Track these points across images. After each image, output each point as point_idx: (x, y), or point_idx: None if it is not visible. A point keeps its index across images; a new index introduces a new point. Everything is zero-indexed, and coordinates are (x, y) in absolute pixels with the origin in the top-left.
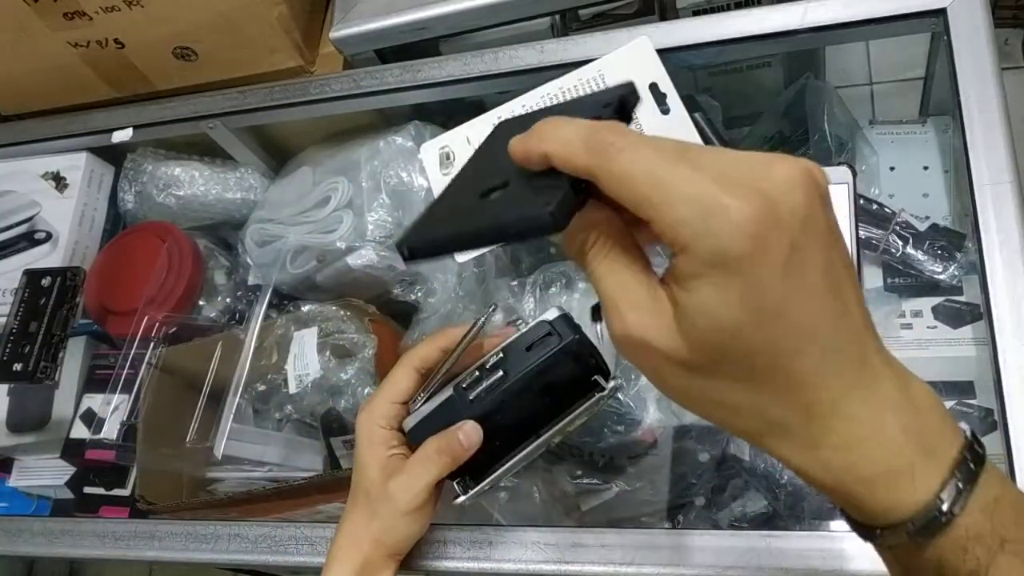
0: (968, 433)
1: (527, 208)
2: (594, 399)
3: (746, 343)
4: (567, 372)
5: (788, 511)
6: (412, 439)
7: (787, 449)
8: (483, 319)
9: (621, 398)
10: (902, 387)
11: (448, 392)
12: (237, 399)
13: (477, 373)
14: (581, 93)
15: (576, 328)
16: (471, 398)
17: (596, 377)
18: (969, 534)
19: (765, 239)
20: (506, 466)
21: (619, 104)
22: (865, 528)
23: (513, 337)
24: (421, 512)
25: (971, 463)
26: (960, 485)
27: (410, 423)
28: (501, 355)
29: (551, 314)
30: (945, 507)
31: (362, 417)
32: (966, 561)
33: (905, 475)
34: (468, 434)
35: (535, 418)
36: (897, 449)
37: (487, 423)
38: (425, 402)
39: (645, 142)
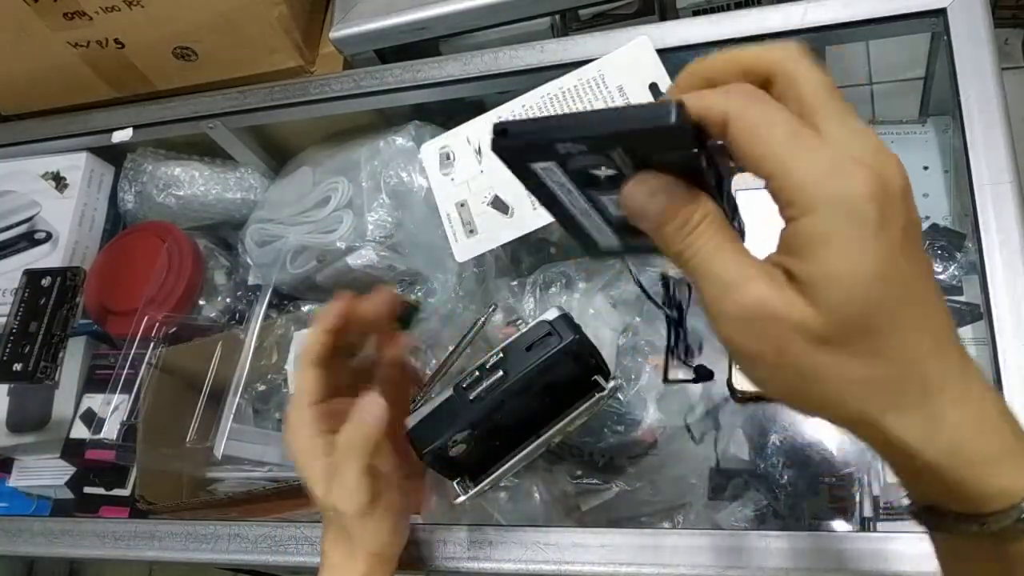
0: None
1: (650, 109)
2: (594, 399)
3: (879, 311)
4: (567, 372)
5: (788, 511)
6: (413, 438)
7: (907, 427)
8: (483, 319)
9: (621, 398)
10: (986, 381)
11: (448, 392)
12: (237, 399)
13: (477, 373)
14: (581, 93)
15: (576, 328)
16: (471, 398)
17: (596, 377)
18: None
19: (890, 210)
20: (506, 466)
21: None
22: (963, 517)
23: (513, 337)
24: (380, 507)
25: None
26: None
27: (411, 422)
28: (501, 355)
29: (551, 314)
30: None
31: (288, 439)
32: None
33: (1013, 458)
34: (363, 408)
35: (535, 418)
36: (1005, 433)
37: (487, 423)
38: (425, 402)
39: (776, 104)
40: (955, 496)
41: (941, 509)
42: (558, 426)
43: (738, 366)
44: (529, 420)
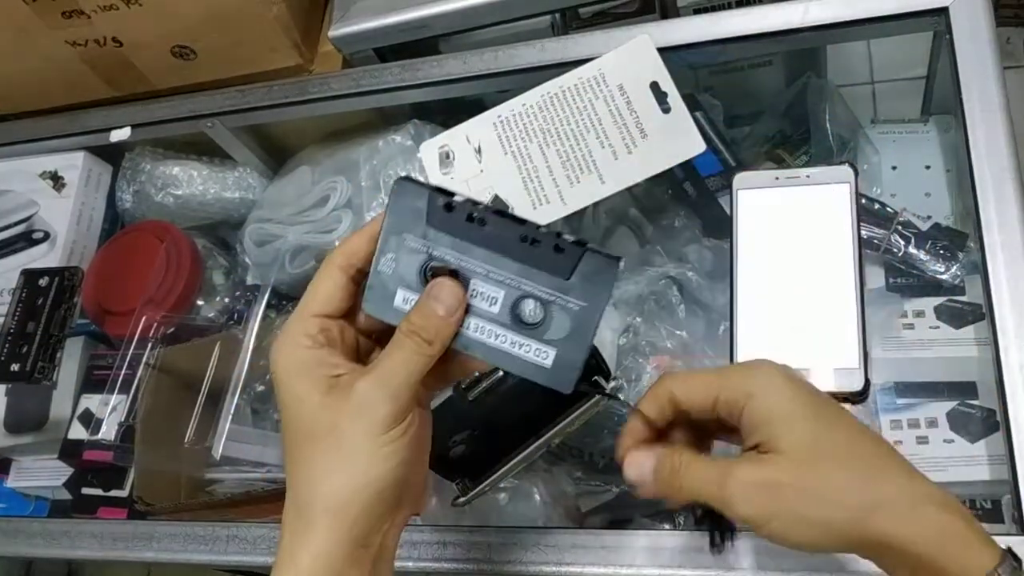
0: (1000, 554)
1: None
2: (594, 400)
3: (830, 433)
4: None
5: None
6: None
7: (893, 520)
8: None
9: (621, 398)
10: (946, 496)
11: (448, 393)
12: (236, 399)
13: (477, 373)
14: (581, 92)
15: None
16: (471, 399)
17: (597, 378)
18: None
19: (794, 377)
20: (506, 467)
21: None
22: None
23: None
24: (407, 439)
25: (1014, 559)
26: (1015, 564)
27: None
28: None
29: None
30: (1016, 566)
31: (280, 350)
32: None
33: (983, 539)
34: (444, 298)
35: (535, 419)
36: (970, 521)
37: (487, 424)
38: None
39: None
40: (941, 570)
41: None
42: (558, 427)
43: (768, 537)
44: (529, 421)
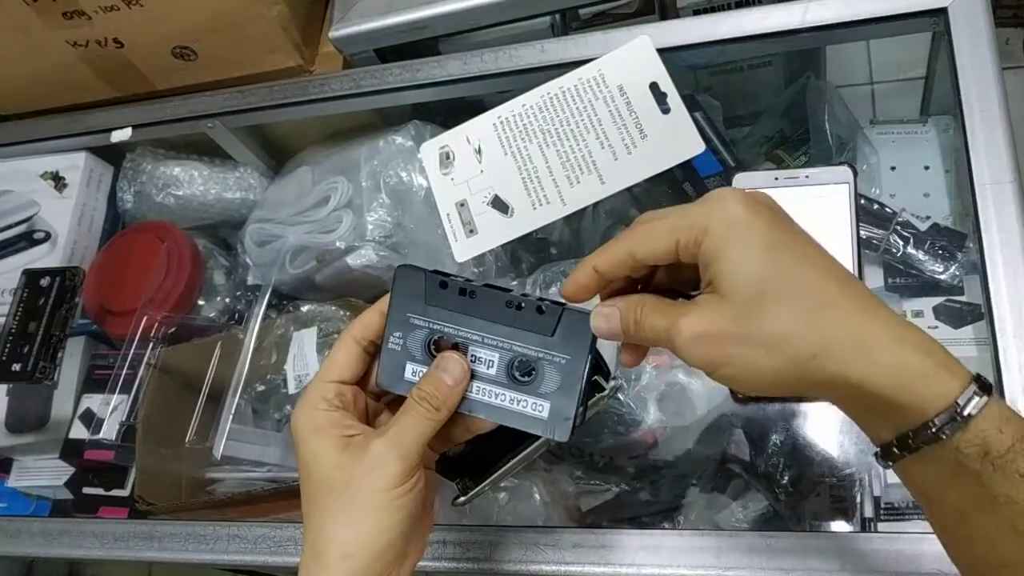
0: (969, 374)
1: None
2: (594, 399)
3: (776, 276)
4: None
5: (788, 511)
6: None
7: (840, 362)
8: None
9: (621, 398)
10: (904, 321)
11: None
12: (236, 399)
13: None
14: (581, 92)
15: None
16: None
17: (596, 377)
18: (1006, 415)
19: (755, 206)
20: (506, 467)
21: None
22: (925, 427)
23: None
24: (414, 495)
25: (981, 380)
26: (978, 388)
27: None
28: None
29: None
30: (980, 393)
31: (300, 413)
32: (1006, 434)
33: (943, 368)
34: (451, 369)
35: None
36: (931, 349)
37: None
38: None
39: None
40: (904, 415)
41: (899, 439)
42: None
43: (721, 383)
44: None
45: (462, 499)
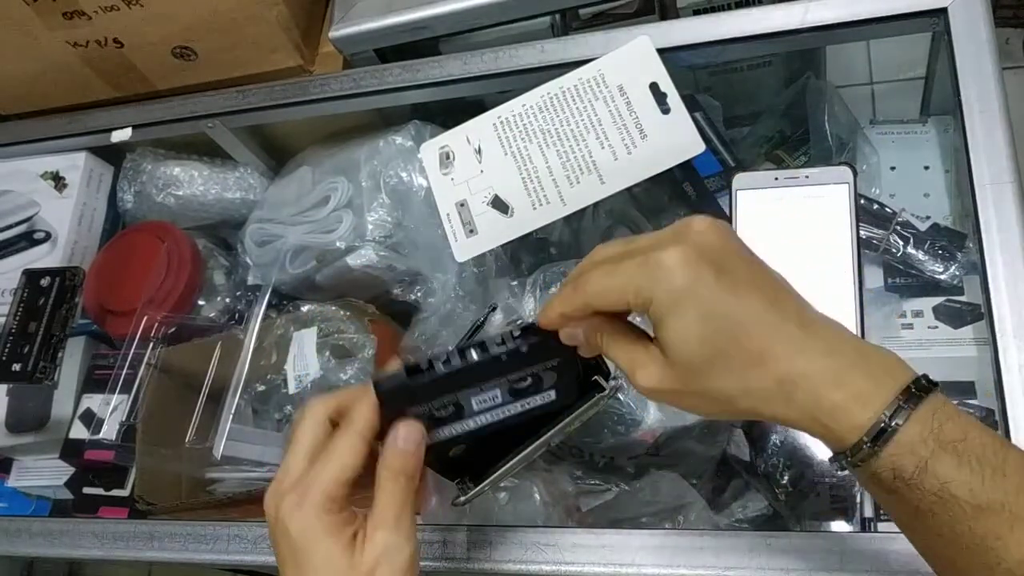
0: (916, 374)
1: None
2: (594, 399)
3: (711, 342)
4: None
5: (788, 511)
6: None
7: (773, 409)
8: (482, 319)
9: (621, 398)
10: (844, 339)
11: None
12: (237, 399)
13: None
14: (581, 93)
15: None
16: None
17: (596, 378)
18: (914, 440)
19: (696, 268)
20: (506, 467)
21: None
22: (844, 454)
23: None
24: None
25: (915, 390)
26: (903, 404)
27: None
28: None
29: (521, 326)
30: (890, 421)
31: (305, 513)
32: (912, 459)
33: (857, 402)
34: (407, 436)
35: (535, 419)
36: (847, 383)
37: (485, 432)
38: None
39: (597, 260)
40: (830, 439)
41: (832, 458)
42: (558, 427)
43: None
44: (529, 421)
45: (462, 499)
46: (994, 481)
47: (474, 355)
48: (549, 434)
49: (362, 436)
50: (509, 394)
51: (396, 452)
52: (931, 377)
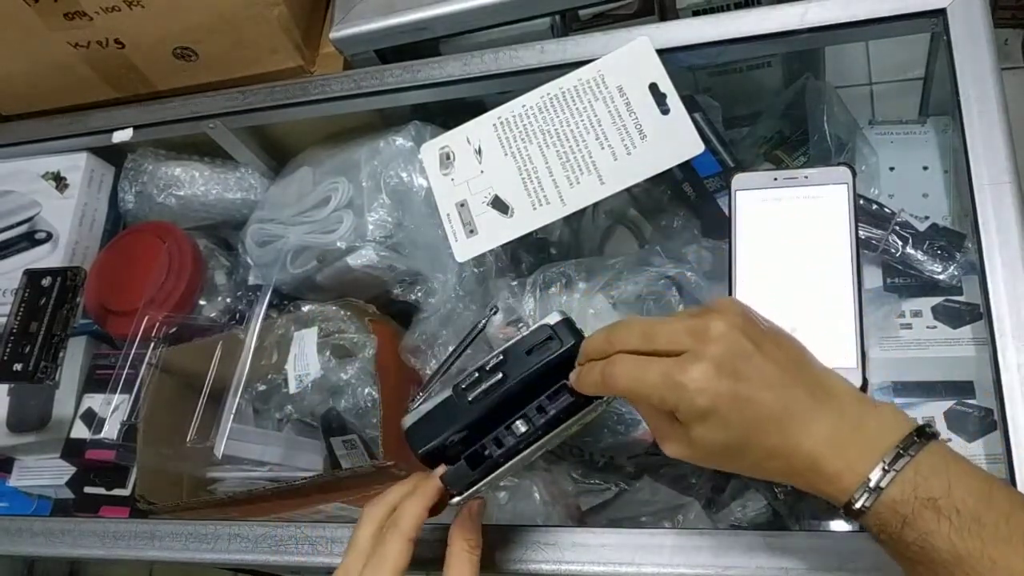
0: (910, 429)
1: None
2: (592, 405)
3: (730, 443)
4: (567, 376)
5: (788, 511)
6: (410, 437)
7: (781, 478)
8: (483, 321)
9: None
10: (847, 404)
11: (447, 392)
12: (237, 399)
13: (476, 374)
14: (581, 93)
15: (577, 333)
16: (469, 399)
17: None
18: (896, 500)
19: (715, 386)
20: (503, 468)
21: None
22: (841, 509)
23: (514, 340)
24: None
25: (902, 451)
26: (887, 468)
27: (408, 421)
28: (501, 357)
29: (553, 318)
30: (875, 486)
31: None
32: (896, 517)
33: (849, 470)
34: (474, 506)
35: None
36: (843, 453)
37: (486, 422)
38: (424, 401)
39: (619, 347)
40: (830, 500)
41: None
42: (557, 430)
43: None
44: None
45: (457, 499)
46: (971, 531)
47: (522, 428)
48: (547, 437)
49: (409, 539)
50: (538, 414)
51: (466, 522)
52: (930, 426)
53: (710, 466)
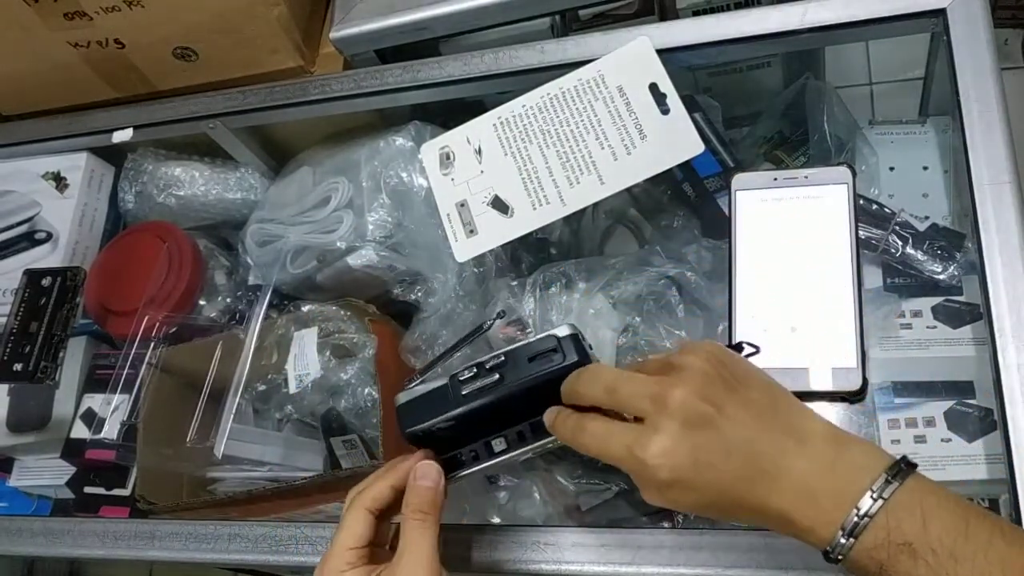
0: (883, 468)
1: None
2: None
3: (697, 504)
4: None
5: None
6: (400, 415)
7: (757, 525)
8: (489, 323)
9: None
10: (816, 457)
11: (444, 380)
12: (237, 399)
13: (475, 370)
14: (581, 93)
15: (582, 352)
16: (464, 392)
17: None
18: (870, 547)
19: (677, 459)
20: (484, 464)
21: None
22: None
23: (519, 343)
24: None
25: (874, 496)
26: (859, 520)
27: (402, 399)
28: (502, 359)
29: (562, 331)
30: (849, 536)
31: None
32: (872, 563)
33: (822, 522)
34: (429, 475)
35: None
36: (816, 504)
37: (474, 418)
38: (420, 383)
39: (594, 421)
40: (808, 544)
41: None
42: (535, 443)
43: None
44: (518, 423)
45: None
46: (948, 571)
47: (501, 447)
48: (534, 445)
49: (366, 508)
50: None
51: (414, 490)
52: (906, 460)
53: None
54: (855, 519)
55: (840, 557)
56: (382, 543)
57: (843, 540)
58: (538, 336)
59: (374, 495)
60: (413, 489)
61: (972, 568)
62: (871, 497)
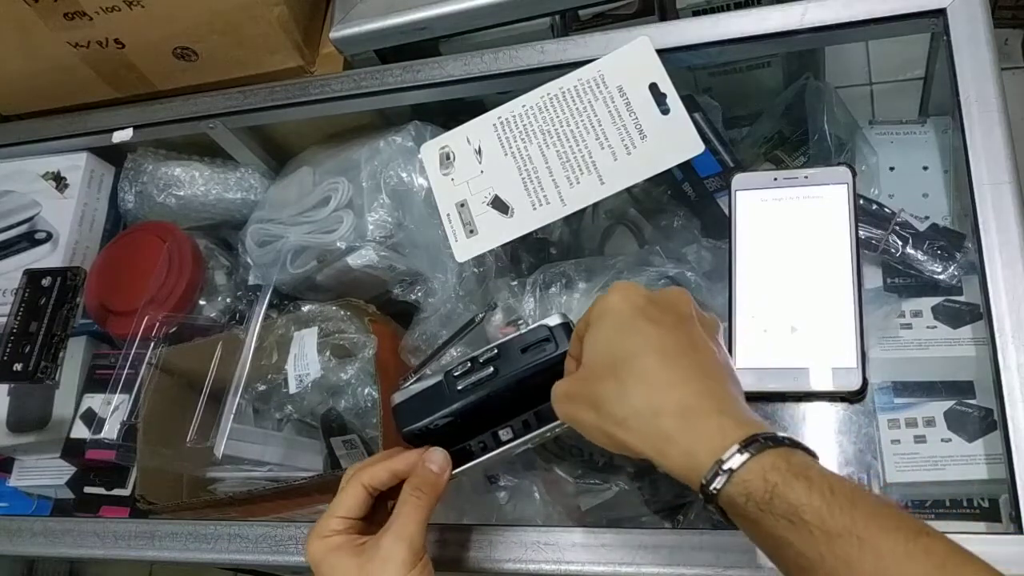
0: (761, 430)
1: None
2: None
3: (617, 350)
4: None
5: None
6: (397, 414)
7: (636, 435)
8: (483, 314)
9: None
10: (713, 394)
11: (439, 377)
12: (237, 399)
13: (469, 364)
14: (581, 93)
15: None
16: (459, 388)
17: None
18: (765, 467)
19: (601, 315)
20: (482, 459)
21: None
22: (704, 485)
23: (511, 336)
24: (425, 569)
25: (782, 439)
26: (761, 439)
27: (398, 398)
28: (495, 352)
29: (553, 320)
30: (745, 446)
31: (313, 542)
32: (763, 484)
33: (721, 432)
34: (436, 460)
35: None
36: (722, 414)
37: (470, 413)
38: (415, 381)
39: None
40: (692, 470)
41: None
42: (540, 430)
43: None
44: (516, 414)
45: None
46: (843, 509)
47: (508, 436)
48: (530, 435)
49: (363, 484)
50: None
51: (419, 470)
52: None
53: (577, 405)
54: (758, 438)
55: (730, 470)
56: (374, 522)
57: (740, 450)
58: (531, 327)
59: (372, 473)
60: (417, 470)
61: (866, 512)
62: (774, 434)
